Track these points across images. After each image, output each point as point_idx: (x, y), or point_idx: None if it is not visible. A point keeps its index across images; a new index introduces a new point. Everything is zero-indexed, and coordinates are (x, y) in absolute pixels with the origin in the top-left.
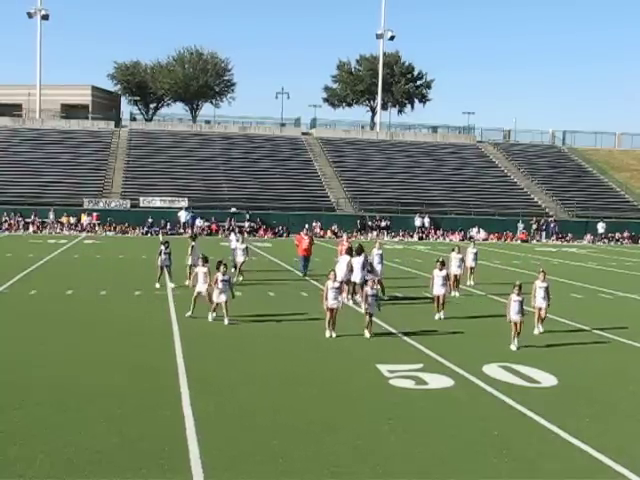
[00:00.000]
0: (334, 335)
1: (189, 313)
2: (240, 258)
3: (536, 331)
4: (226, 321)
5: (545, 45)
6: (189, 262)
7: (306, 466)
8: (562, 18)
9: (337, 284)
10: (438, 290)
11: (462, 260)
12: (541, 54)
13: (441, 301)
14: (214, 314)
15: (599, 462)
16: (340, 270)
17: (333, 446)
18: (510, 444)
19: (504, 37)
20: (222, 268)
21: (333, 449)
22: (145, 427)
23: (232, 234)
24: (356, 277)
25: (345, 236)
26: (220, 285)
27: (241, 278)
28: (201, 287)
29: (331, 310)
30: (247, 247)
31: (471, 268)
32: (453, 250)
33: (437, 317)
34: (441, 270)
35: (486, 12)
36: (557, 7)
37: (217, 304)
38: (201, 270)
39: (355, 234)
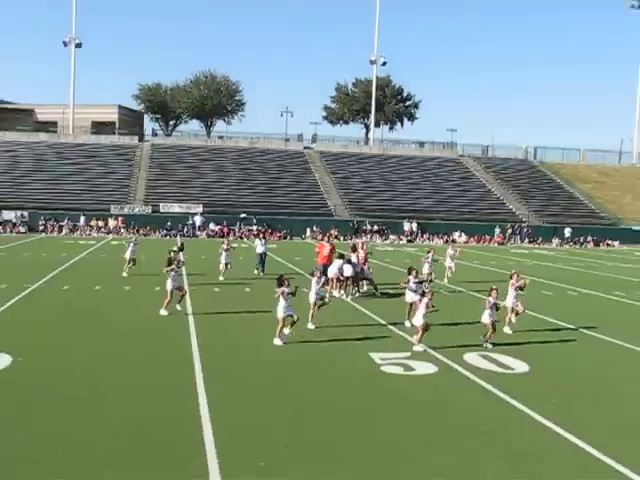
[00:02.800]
0: (312, 327)
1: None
2: (225, 260)
3: (506, 329)
4: (287, 331)
5: (520, 72)
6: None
7: (307, 447)
8: (529, 52)
9: (321, 280)
10: (411, 297)
11: (435, 261)
12: (517, 79)
13: (414, 307)
14: (289, 330)
15: (562, 438)
16: (331, 270)
17: (330, 427)
18: (488, 424)
19: (484, 66)
20: (287, 283)
21: (330, 430)
22: (162, 410)
23: (257, 239)
24: (347, 272)
25: (360, 244)
26: (286, 300)
27: (221, 278)
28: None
29: (314, 304)
30: (232, 248)
31: (450, 267)
32: (429, 252)
33: (407, 324)
34: (415, 277)
35: (468, 44)
36: (526, 42)
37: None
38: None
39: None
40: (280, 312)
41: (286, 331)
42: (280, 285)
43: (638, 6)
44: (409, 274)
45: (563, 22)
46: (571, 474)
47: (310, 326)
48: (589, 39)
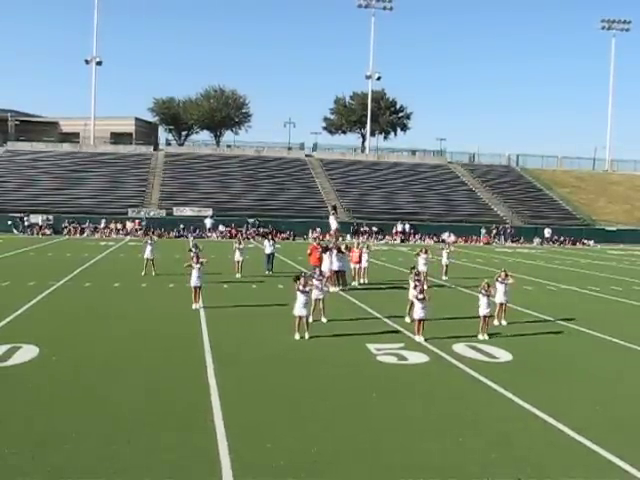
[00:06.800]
0: (324, 320)
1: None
2: (239, 257)
3: (496, 322)
4: (306, 335)
5: (503, 87)
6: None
7: (309, 425)
8: (512, 69)
9: (321, 279)
10: (414, 295)
11: (428, 260)
12: (501, 93)
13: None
14: (306, 334)
15: (541, 420)
16: (325, 266)
17: (331, 409)
18: (474, 408)
19: (470, 81)
20: (302, 280)
21: (331, 412)
22: (175, 391)
23: (265, 240)
24: (325, 267)
25: (356, 243)
26: (302, 298)
27: (239, 275)
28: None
29: (316, 300)
30: (244, 247)
31: (446, 265)
32: (421, 251)
33: (407, 319)
34: (417, 275)
35: (455, 62)
36: (508, 60)
37: (300, 318)
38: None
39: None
40: (295, 310)
41: (306, 335)
42: (296, 282)
43: (608, 28)
44: (411, 273)
45: (542, 43)
46: (553, 456)
47: (310, 319)
48: (565, 58)
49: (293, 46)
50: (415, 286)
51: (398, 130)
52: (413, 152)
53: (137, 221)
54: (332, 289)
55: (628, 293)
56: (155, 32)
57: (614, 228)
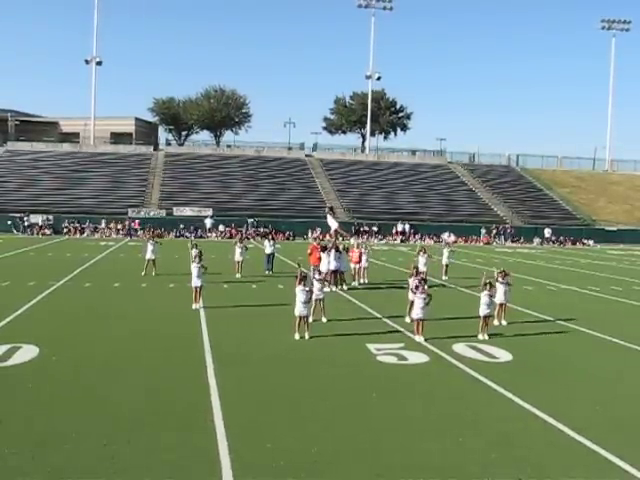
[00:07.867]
0: (324, 320)
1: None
2: (239, 257)
3: (496, 322)
4: (307, 335)
5: (503, 87)
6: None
7: (309, 425)
8: (512, 69)
9: (320, 277)
10: (413, 295)
11: (428, 259)
12: (501, 94)
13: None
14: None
15: (541, 420)
16: (323, 265)
17: (331, 409)
18: (474, 408)
19: (470, 82)
20: (302, 279)
21: (331, 412)
22: (175, 391)
23: (265, 240)
24: (323, 266)
25: (355, 244)
26: (302, 297)
27: (239, 275)
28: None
29: (316, 300)
30: (246, 247)
31: (446, 265)
32: (420, 251)
33: (408, 320)
34: (416, 276)
35: (455, 62)
36: (508, 61)
37: (301, 318)
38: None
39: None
40: (296, 310)
41: (306, 335)
42: (298, 280)
43: (608, 28)
44: (412, 273)
45: (542, 43)
46: (553, 456)
47: (310, 319)
48: (565, 58)
49: (293, 46)
50: (416, 286)
51: (398, 130)
52: (413, 152)
53: (129, 222)
54: (327, 289)
55: (628, 293)
56: (155, 32)
57: (614, 228)
